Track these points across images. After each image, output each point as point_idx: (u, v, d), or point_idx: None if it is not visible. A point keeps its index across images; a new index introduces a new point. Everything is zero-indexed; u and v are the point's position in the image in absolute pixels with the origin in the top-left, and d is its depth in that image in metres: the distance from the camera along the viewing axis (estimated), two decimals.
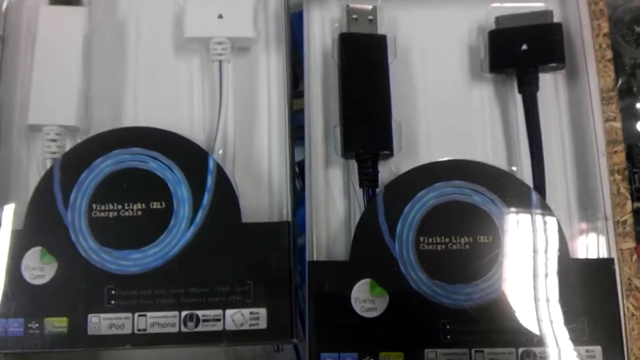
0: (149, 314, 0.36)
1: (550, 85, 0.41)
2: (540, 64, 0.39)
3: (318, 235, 0.38)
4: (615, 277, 0.36)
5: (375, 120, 0.38)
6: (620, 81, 0.46)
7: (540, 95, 0.39)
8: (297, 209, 0.40)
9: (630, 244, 0.38)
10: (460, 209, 0.37)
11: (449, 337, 0.35)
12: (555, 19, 0.40)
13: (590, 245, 0.37)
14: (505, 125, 0.40)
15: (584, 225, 0.38)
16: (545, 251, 0.36)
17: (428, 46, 0.42)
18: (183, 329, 0.36)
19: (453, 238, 0.36)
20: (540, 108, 0.39)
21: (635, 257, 0.38)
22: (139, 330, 0.36)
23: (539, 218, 0.36)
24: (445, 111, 0.41)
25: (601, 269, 0.36)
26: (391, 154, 0.39)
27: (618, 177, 0.39)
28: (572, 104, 0.41)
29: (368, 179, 0.38)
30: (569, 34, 0.40)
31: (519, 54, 0.39)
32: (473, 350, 0.35)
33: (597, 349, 0.35)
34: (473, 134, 0.40)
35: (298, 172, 0.42)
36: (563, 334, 0.35)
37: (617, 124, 0.40)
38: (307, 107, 0.40)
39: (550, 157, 0.39)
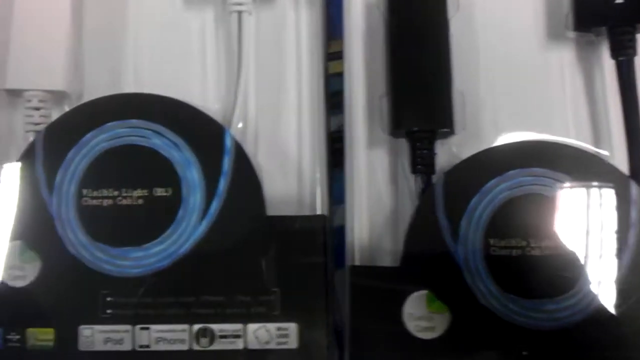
0: (153, 326, 0.30)
1: None
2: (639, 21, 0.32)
3: (359, 233, 0.32)
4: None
5: (433, 90, 0.32)
6: None
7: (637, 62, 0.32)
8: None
9: None
10: (540, 203, 0.30)
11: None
12: None
13: None
14: (592, 98, 0.33)
15: None
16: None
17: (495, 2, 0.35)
18: (195, 347, 0.30)
19: (531, 241, 0.29)
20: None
21: None
22: (140, 346, 0.30)
23: (637, 215, 0.29)
24: (517, 80, 0.34)
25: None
26: (452, 132, 0.32)
27: None
28: None
29: (423, 163, 0.32)
30: None
31: (613, 8, 0.32)
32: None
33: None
34: (551, 109, 0.33)
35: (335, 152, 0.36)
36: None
37: None
38: (347, 72, 0.33)
39: None
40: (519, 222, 0.30)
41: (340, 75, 0.34)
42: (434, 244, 0.30)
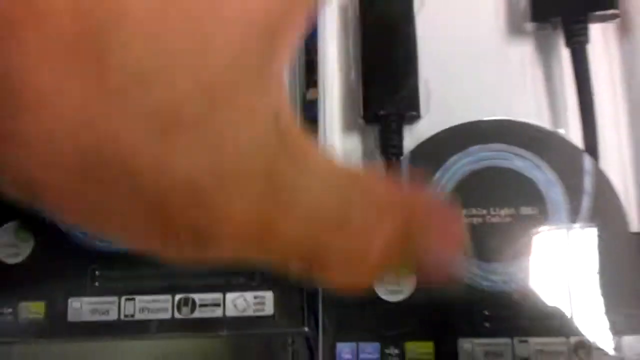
0: (137, 297, 0.31)
1: (601, 41, 0.36)
2: (590, 10, 0.34)
3: None
4: None
5: (400, 78, 0.34)
6: None
7: (590, 51, 0.34)
8: None
9: None
10: (499, 176, 0.32)
11: (487, 324, 0.30)
12: None
13: None
14: (550, 83, 0.35)
15: None
16: (601, 222, 0.31)
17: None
18: (177, 315, 0.31)
19: (492, 210, 0.31)
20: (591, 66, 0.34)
21: None
22: (125, 315, 0.31)
23: (593, 186, 0.31)
24: (480, 68, 0.36)
25: None
26: (418, 116, 0.34)
27: None
28: (626, 62, 0.36)
29: (392, 144, 0.33)
30: None
31: (565, 2, 0.34)
32: (516, 340, 0.29)
33: None
34: (512, 94, 0.35)
35: None
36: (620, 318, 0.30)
37: None
38: (322, 65, 0.35)
39: (601, 121, 0.34)
40: (479, 193, 0.31)
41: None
42: None
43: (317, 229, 0.19)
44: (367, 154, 0.35)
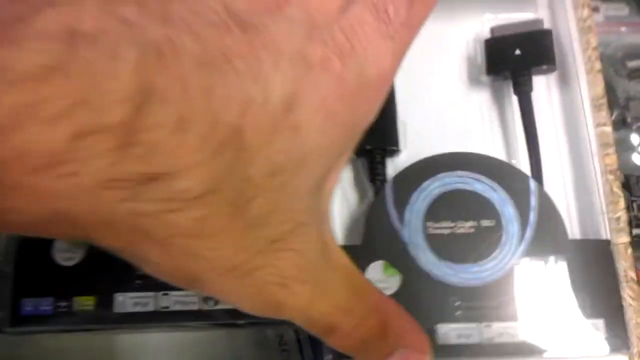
0: (171, 292, 0.37)
1: (544, 90, 0.44)
2: (533, 65, 0.43)
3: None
4: (611, 254, 0.38)
5: (383, 119, 0.39)
6: (614, 113, 0.50)
7: (535, 98, 0.43)
8: None
9: (625, 238, 0.40)
10: (463, 196, 0.39)
11: (458, 313, 0.37)
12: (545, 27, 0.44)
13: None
14: (504, 124, 0.44)
15: (581, 220, 0.41)
16: (545, 232, 0.38)
17: (429, 56, 0.44)
18: (203, 307, 0.37)
19: (458, 223, 0.39)
20: (535, 109, 0.42)
21: (630, 250, 0.40)
22: (162, 307, 0.37)
23: (537, 202, 0.39)
24: (447, 111, 0.44)
25: (599, 247, 0.39)
26: (398, 150, 0.42)
27: (610, 177, 0.42)
28: (565, 107, 0.44)
29: (378, 173, 0.41)
30: (559, 42, 0.44)
31: (513, 58, 0.43)
32: (483, 324, 0.37)
33: (600, 322, 0.37)
34: (473, 133, 0.43)
35: None
36: (565, 308, 0.37)
37: (608, 129, 0.43)
38: None
39: (546, 155, 0.42)
40: (448, 209, 0.39)
41: None
42: (386, 227, 0.38)
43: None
44: (357, 181, 0.42)
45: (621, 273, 0.39)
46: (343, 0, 0.26)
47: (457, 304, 0.37)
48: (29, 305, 0.37)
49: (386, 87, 0.28)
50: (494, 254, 0.38)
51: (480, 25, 0.45)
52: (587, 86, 0.43)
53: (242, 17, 0.23)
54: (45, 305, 0.37)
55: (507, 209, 0.39)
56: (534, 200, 0.39)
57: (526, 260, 0.38)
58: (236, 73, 0.22)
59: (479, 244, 0.38)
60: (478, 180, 0.39)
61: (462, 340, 0.37)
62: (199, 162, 0.21)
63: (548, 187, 0.40)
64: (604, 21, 0.52)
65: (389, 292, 0.37)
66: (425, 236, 0.38)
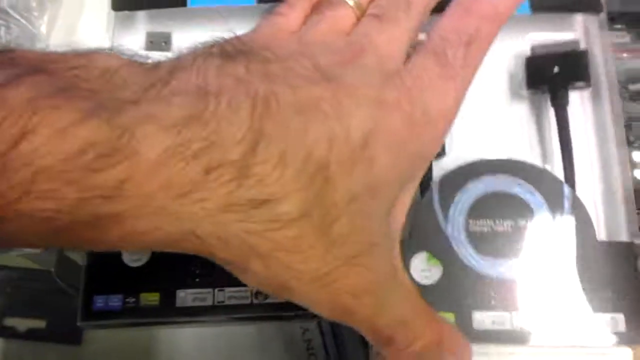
0: (226, 288, 0.41)
1: (578, 104, 0.48)
2: (569, 82, 0.47)
3: None
4: (634, 255, 0.42)
5: None
6: None
7: (570, 112, 0.47)
8: None
9: None
10: (503, 197, 0.43)
11: (492, 302, 0.41)
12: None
13: None
14: (541, 134, 0.48)
15: (607, 224, 0.46)
16: (575, 233, 0.42)
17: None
18: (254, 301, 0.41)
19: (497, 221, 0.43)
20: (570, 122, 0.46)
21: None
22: (218, 302, 0.41)
23: (569, 206, 0.43)
24: (489, 122, 0.48)
25: (622, 249, 0.43)
26: (443, 153, 0.46)
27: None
28: (596, 118, 0.48)
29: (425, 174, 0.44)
30: (593, 61, 0.48)
31: (552, 75, 0.47)
32: (513, 314, 0.41)
33: (620, 316, 0.41)
34: (513, 141, 0.47)
35: None
36: (589, 302, 0.41)
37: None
38: None
39: (578, 161, 0.46)
40: (489, 209, 0.43)
41: None
42: (431, 223, 0.43)
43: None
44: None
45: None
46: (406, 45, 0.31)
47: (492, 294, 0.41)
48: (100, 301, 0.41)
49: (449, 121, 0.33)
50: (528, 250, 0.42)
51: (523, 43, 0.49)
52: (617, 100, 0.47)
53: (326, 70, 0.28)
54: (115, 301, 0.41)
55: (542, 211, 0.43)
56: (567, 204, 0.43)
57: (557, 258, 0.42)
58: (325, 115, 0.27)
59: (515, 242, 0.42)
60: (517, 184, 0.44)
61: (496, 327, 0.41)
62: (296, 190, 0.26)
63: (579, 193, 0.44)
64: None
65: (430, 280, 0.42)
66: (467, 232, 0.43)
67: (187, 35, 0.47)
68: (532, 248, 0.42)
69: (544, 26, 0.50)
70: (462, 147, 0.47)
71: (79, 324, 0.41)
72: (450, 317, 0.41)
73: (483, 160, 0.45)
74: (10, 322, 0.50)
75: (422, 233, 0.43)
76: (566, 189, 0.44)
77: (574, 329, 0.41)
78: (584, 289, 0.41)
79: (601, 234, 0.45)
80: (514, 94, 0.49)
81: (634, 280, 0.42)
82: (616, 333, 0.40)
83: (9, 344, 0.50)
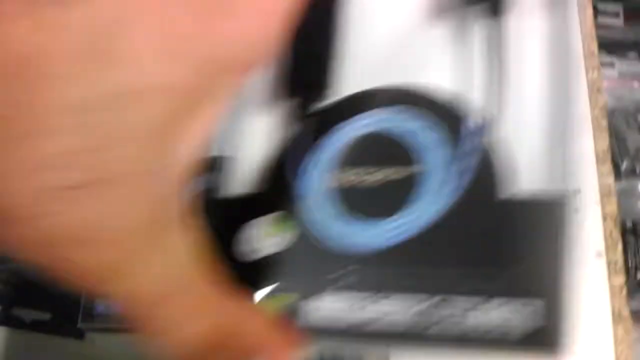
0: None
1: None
2: None
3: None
4: (565, 217, 0.32)
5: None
6: (625, 163, 0.52)
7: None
8: None
9: (621, 280, 0.38)
10: (383, 139, 0.34)
11: (352, 279, 0.33)
12: None
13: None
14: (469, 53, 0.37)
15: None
16: (475, 185, 0.33)
17: None
18: None
19: (371, 171, 0.34)
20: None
21: (625, 291, 0.38)
22: None
23: (472, 147, 0.33)
24: (403, 40, 0.39)
25: (544, 210, 0.32)
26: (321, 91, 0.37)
27: (610, 223, 0.40)
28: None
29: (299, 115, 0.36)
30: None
31: None
32: (379, 295, 0.32)
33: (538, 303, 0.31)
34: (432, 61, 0.38)
35: None
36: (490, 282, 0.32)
37: (610, 180, 0.40)
38: None
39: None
40: (362, 155, 0.34)
41: None
42: (286, 176, 0.35)
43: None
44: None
45: (615, 312, 0.36)
46: None
47: (350, 268, 0.33)
48: (101, 305, 0.41)
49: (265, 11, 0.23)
50: (404, 210, 0.33)
51: None
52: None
53: None
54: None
55: (437, 153, 0.33)
56: (469, 145, 0.33)
57: (445, 219, 0.32)
58: None
59: (390, 197, 0.33)
60: (412, 118, 0.35)
61: (349, 316, 0.32)
62: None
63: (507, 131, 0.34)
64: (618, 77, 0.56)
65: (273, 249, 0.34)
66: (328, 188, 0.34)
67: None
68: (410, 206, 0.33)
69: None
70: (360, 77, 0.37)
71: (79, 325, 0.41)
72: (286, 300, 0.33)
73: (368, 91, 0.36)
74: (17, 312, 0.53)
75: (273, 189, 0.35)
76: (472, 124, 0.34)
77: (468, 320, 0.31)
78: (480, 263, 0.32)
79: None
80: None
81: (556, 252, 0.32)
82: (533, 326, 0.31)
83: (14, 333, 0.52)
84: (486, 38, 0.35)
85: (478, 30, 0.37)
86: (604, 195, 0.39)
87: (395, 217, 0.33)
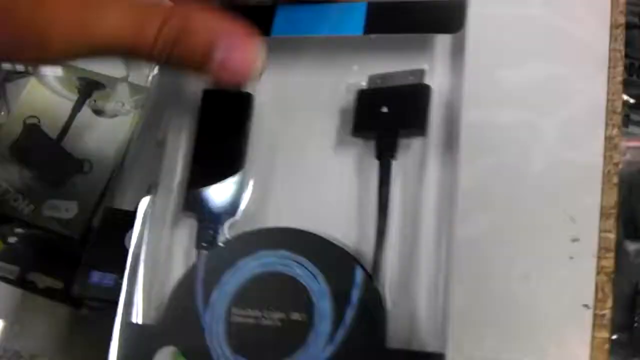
0: None
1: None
2: (399, 127, 0.37)
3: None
4: None
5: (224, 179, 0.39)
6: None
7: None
8: None
9: (605, 334, 0.39)
10: (278, 281, 0.36)
11: None
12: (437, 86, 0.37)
13: None
14: (364, 194, 0.38)
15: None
16: (361, 336, 0.34)
17: (300, 106, 0.41)
18: None
19: (265, 312, 0.35)
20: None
21: (607, 346, 0.39)
22: None
23: (359, 298, 0.35)
24: (305, 175, 0.40)
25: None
26: (233, 215, 0.39)
27: (604, 278, 0.41)
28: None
29: (206, 240, 0.39)
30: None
31: (380, 116, 0.37)
32: None
33: None
34: (328, 202, 0.39)
35: None
36: None
37: (612, 236, 0.42)
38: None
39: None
40: (258, 295, 0.36)
41: None
42: (188, 308, 0.36)
43: None
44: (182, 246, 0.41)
45: None
46: None
47: None
48: (96, 277, 0.44)
49: None
50: (294, 357, 0.34)
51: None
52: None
53: None
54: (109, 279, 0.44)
55: (323, 303, 0.35)
56: (355, 296, 0.34)
57: None
58: None
59: (283, 342, 0.35)
60: (300, 264, 0.36)
61: None
62: None
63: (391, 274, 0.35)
64: None
65: None
66: (227, 325, 0.36)
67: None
68: (300, 353, 0.35)
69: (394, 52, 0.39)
70: (264, 208, 0.39)
71: (73, 292, 0.45)
72: None
73: (264, 230, 0.37)
74: (32, 277, 0.57)
75: (174, 319, 0.36)
76: (359, 275, 0.35)
77: None
78: None
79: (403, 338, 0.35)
80: (342, 141, 0.40)
81: None
82: None
83: (27, 296, 0.57)
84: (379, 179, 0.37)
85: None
86: (602, 249, 0.41)
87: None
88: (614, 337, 0.42)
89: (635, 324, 0.46)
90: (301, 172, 0.40)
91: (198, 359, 0.35)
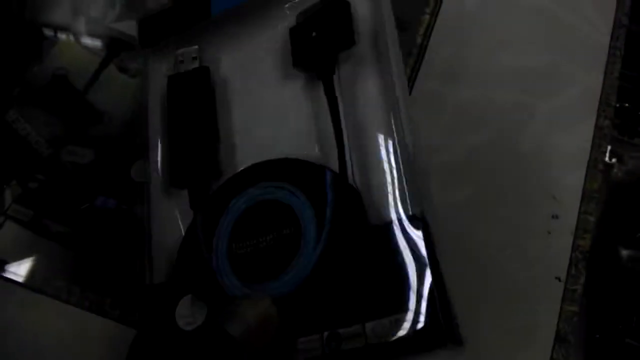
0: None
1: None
2: (330, 43, 0.40)
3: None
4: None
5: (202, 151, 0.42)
6: None
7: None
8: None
9: (575, 308, 0.42)
10: (265, 208, 0.38)
11: None
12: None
13: None
14: (318, 116, 0.41)
15: None
16: (343, 225, 0.36)
17: (250, 61, 0.45)
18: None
19: (260, 238, 0.38)
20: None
21: (576, 319, 0.41)
22: None
23: (333, 196, 0.37)
24: (262, 114, 0.43)
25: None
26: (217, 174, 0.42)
27: (580, 256, 0.43)
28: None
29: (198, 200, 0.42)
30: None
31: (312, 41, 0.40)
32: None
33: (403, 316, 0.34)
34: (289, 129, 0.42)
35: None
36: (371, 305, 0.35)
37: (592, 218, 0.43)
38: None
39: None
40: (251, 226, 0.39)
41: None
42: (196, 258, 0.39)
43: None
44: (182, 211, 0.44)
45: (560, 334, 0.40)
46: None
47: None
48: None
49: None
50: (291, 265, 0.37)
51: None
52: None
53: None
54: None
55: (306, 211, 0.38)
56: (330, 194, 0.37)
57: (325, 261, 0.36)
58: None
59: (279, 257, 0.37)
60: (279, 187, 0.39)
61: None
62: None
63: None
64: None
65: (193, 326, 0.38)
66: (232, 260, 0.39)
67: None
68: (295, 260, 0.37)
69: None
70: (235, 158, 0.43)
71: None
72: None
73: (242, 172, 0.41)
74: (45, 221, 0.60)
75: (187, 272, 0.40)
76: (329, 177, 0.38)
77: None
78: (362, 288, 0.35)
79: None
80: (287, 76, 0.43)
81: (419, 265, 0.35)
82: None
83: (39, 240, 0.59)
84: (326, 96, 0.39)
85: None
86: (580, 229, 0.43)
87: (281, 275, 0.37)
88: None
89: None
90: (260, 113, 0.43)
91: (214, 298, 0.38)
